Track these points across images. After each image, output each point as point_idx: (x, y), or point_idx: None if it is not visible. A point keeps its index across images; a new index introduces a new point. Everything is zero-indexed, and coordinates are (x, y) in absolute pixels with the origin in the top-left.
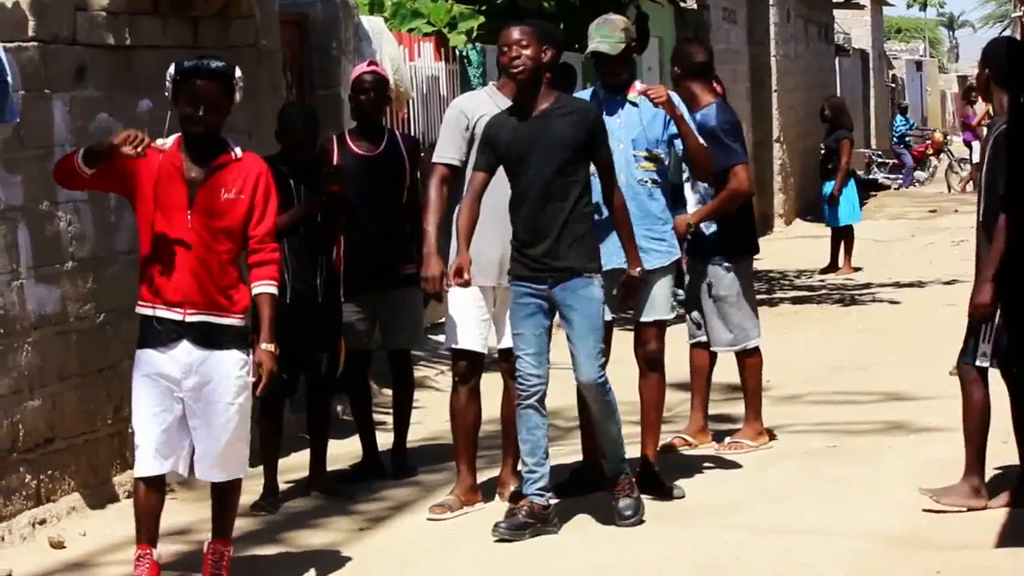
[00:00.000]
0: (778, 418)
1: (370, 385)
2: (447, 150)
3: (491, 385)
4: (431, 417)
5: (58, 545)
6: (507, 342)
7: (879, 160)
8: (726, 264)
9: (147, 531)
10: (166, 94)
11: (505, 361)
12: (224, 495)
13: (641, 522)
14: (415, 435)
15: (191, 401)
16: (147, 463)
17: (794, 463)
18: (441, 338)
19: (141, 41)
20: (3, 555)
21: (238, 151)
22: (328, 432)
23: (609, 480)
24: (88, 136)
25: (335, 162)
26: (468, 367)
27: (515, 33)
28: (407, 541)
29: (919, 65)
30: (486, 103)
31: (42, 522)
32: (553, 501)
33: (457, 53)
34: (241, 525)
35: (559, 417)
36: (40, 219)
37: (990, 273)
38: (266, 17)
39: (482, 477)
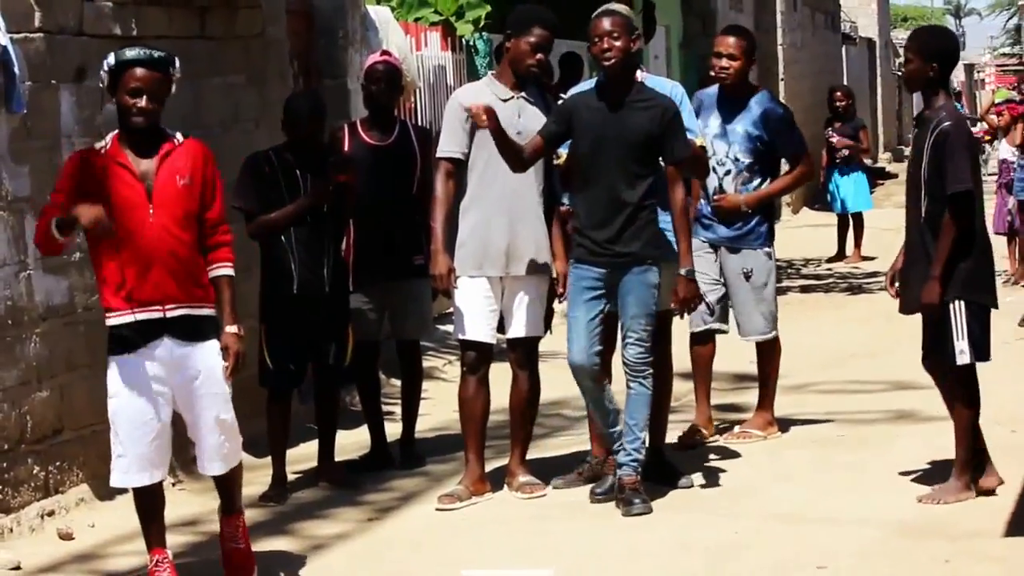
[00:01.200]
0: (788, 406)
1: (378, 375)
2: (448, 144)
3: (499, 375)
4: (439, 407)
5: (67, 536)
6: (515, 332)
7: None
8: (767, 250)
9: (156, 534)
10: (100, 85)
11: (513, 351)
12: (227, 480)
13: (649, 511)
14: (423, 425)
15: (181, 398)
16: (138, 475)
17: (804, 451)
18: (449, 328)
19: (148, 32)
20: (12, 546)
21: (179, 136)
22: (336, 422)
23: (619, 476)
24: (95, 127)
25: (347, 151)
26: (476, 357)
27: (606, 23)
28: (416, 531)
29: None
30: (483, 93)
31: (51, 513)
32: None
33: (464, 42)
34: (250, 516)
35: (567, 407)
36: None
37: (938, 270)
38: (273, 6)
39: (490, 467)
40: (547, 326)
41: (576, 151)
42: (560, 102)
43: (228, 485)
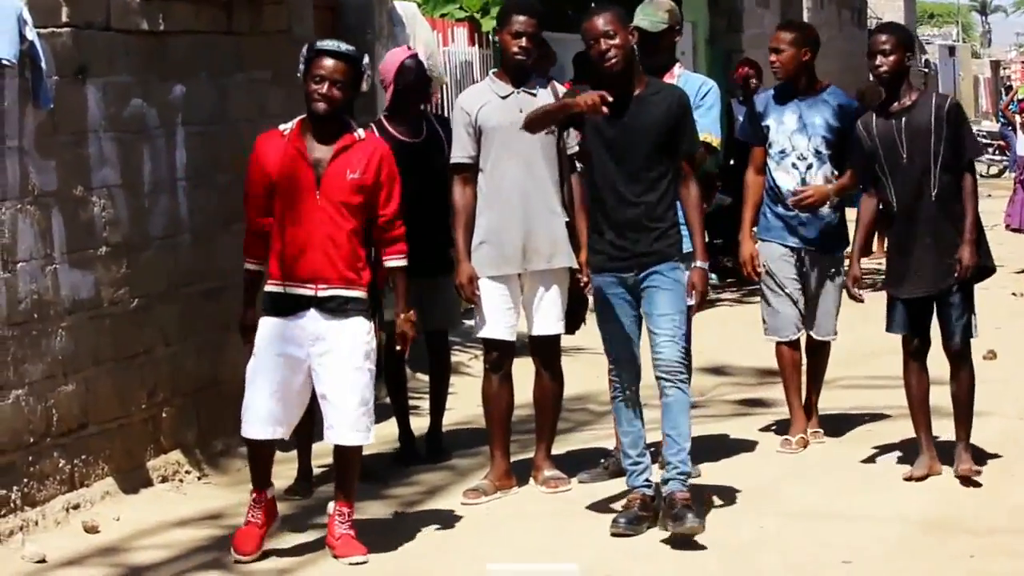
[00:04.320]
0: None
1: (405, 370)
2: (456, 150)
3: (525, 370)
4: (464, 402)
5: (92, 529)
6: (538, 330)
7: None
8: (846, 252)
9: (260, 478)
10: (298, 75)
11: (536, 348)
12: (348, 461)
13: (701, 529)
14: (449, 420)
15: (320, 368)
16: (257, 427)
17: (827, 447)
18: (473, 322)
19: (175, 26)
20: (37, 539)
21: (360, 132)
22: None
23: (669, 493)
24: (121, 121)
25: None
26: (499, 355)
27: (600, 23)
28: (441, 526)
29: (952, 50)
30: (485, 93)
31: (76, 507)
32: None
33: (490, 39)
34: (282, 509)
35: (592, 401)
36: (74, 204)
37: (974, 234)
38: (299, 2)
39: (515, 460)
40: (581, 319)
41: (594, 154)
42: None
43: (348, 464)
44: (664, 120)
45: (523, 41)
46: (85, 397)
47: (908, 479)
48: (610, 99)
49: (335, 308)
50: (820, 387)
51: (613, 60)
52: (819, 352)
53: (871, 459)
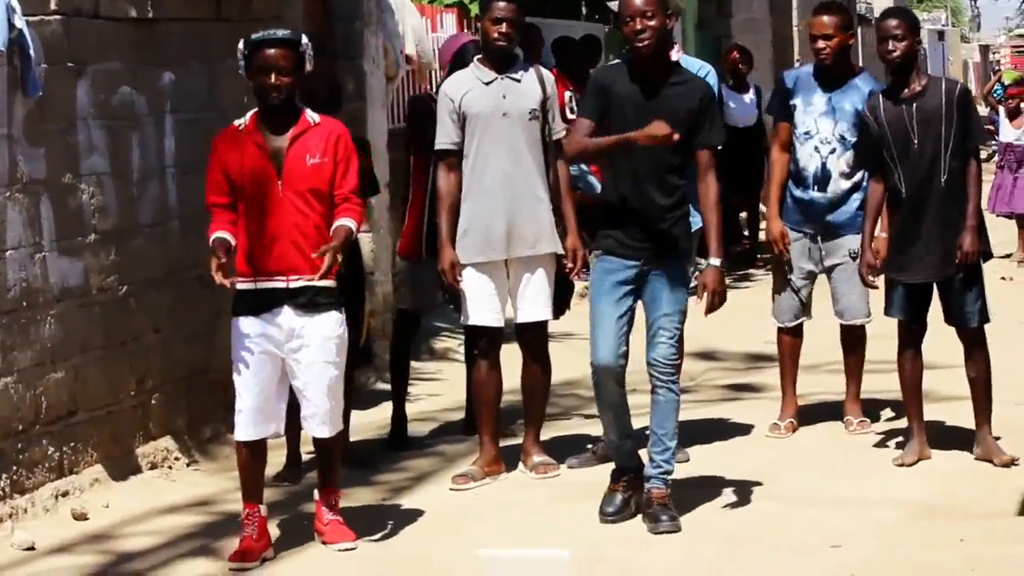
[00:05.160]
0: (809, 386)
1: (409, 356)
2: (440, 136)
3: (513, 356)
4: (453, 388)
5: (81, 517)
6: (524, 316)
7: None
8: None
9: (254, 491)
10: (240, 72)
11: (523, 335)
12: (328, 450)
13: (677, 529)
14: (436, 406)
15: (295, 363)
16: (248, 428)
17: (824, 432)
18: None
19: (164, 14)
20: (26, 527)
21: (315, 116)
22: (351, 402)
23: (648, 489)
24: (110, 109)
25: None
26: (486, 341)
27: (639, 2)
28: (430, 511)
29: (941, 35)
30: (469, 79)
31: (65, 494)
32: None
33: (477, 24)
34: (265, 496)
35: (580, 387)
36: (63, 192)
37: (975, 220)
38: None
39: (504, 447)
40: (566, 306)
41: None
42: (591, 79)
43: (328, 453)
44: (690, 110)
45: (503, 27)
46: (74, 384)
47: (900, 464)
48: (676, 137)
49: (306, 303)
50: (858, 375)
51: (646, 41)
52: (853, 337)
53: (875, 444)
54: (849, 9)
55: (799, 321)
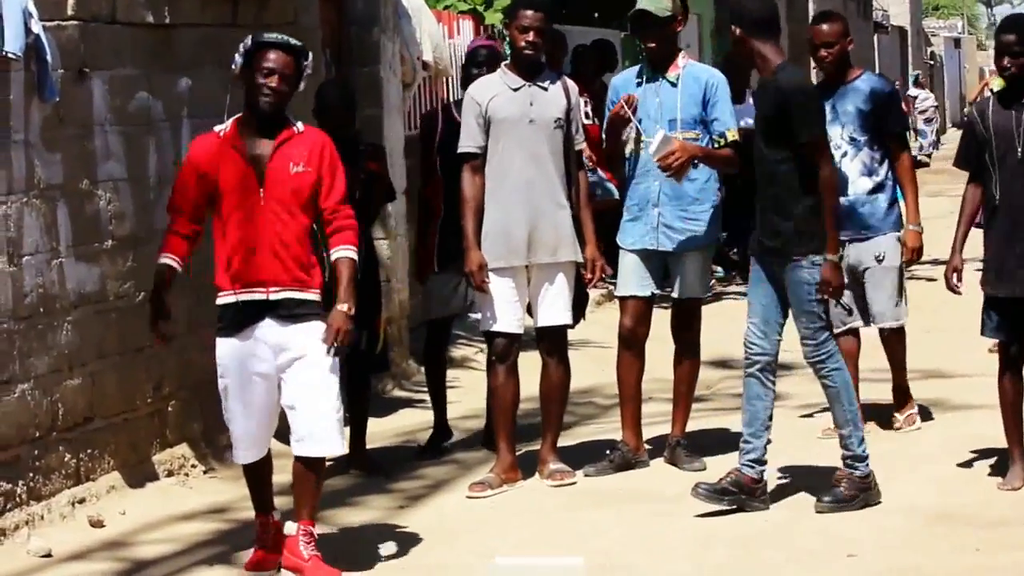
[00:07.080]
0: (817, 395)
1: (446, 356)
2: (465, 139)
3: (532, 363)
4: (470, 395)
5: (97, 524)
6: (544, 320)
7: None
8: (898, 235)
9: (262, 502)
10: (233, 68)
11: (542, 340)
12: (313, 475)
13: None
14: (453, 413)
15: (287, 378)
16: (246, 452)
17: (831, 440)
18: (478, 316)
19: (181, 19)
20: (43, 533)
21: (300, 125)
22: (367, 409)
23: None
24: (127, 115)
25: (438, 132)
26: (505, 347)
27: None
28: (446, 519)
29: (957, 42)
30: (496, 84)
31: (81, 501)
32: (766, 475)
33: (496, 31)
34: (280, 503)
35: (597, 395)
36: (79, 198)
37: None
38: None
39: (521, 454)
40: (582, 314)
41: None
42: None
43: (306, 478)
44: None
45: (531, 35)
46: (91, 391)
47: (1007, 490)
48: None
49: (288, 314)
50: (901, 373)
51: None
52: (890, 341)
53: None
54: (845, 17)
55: (846, 327)
